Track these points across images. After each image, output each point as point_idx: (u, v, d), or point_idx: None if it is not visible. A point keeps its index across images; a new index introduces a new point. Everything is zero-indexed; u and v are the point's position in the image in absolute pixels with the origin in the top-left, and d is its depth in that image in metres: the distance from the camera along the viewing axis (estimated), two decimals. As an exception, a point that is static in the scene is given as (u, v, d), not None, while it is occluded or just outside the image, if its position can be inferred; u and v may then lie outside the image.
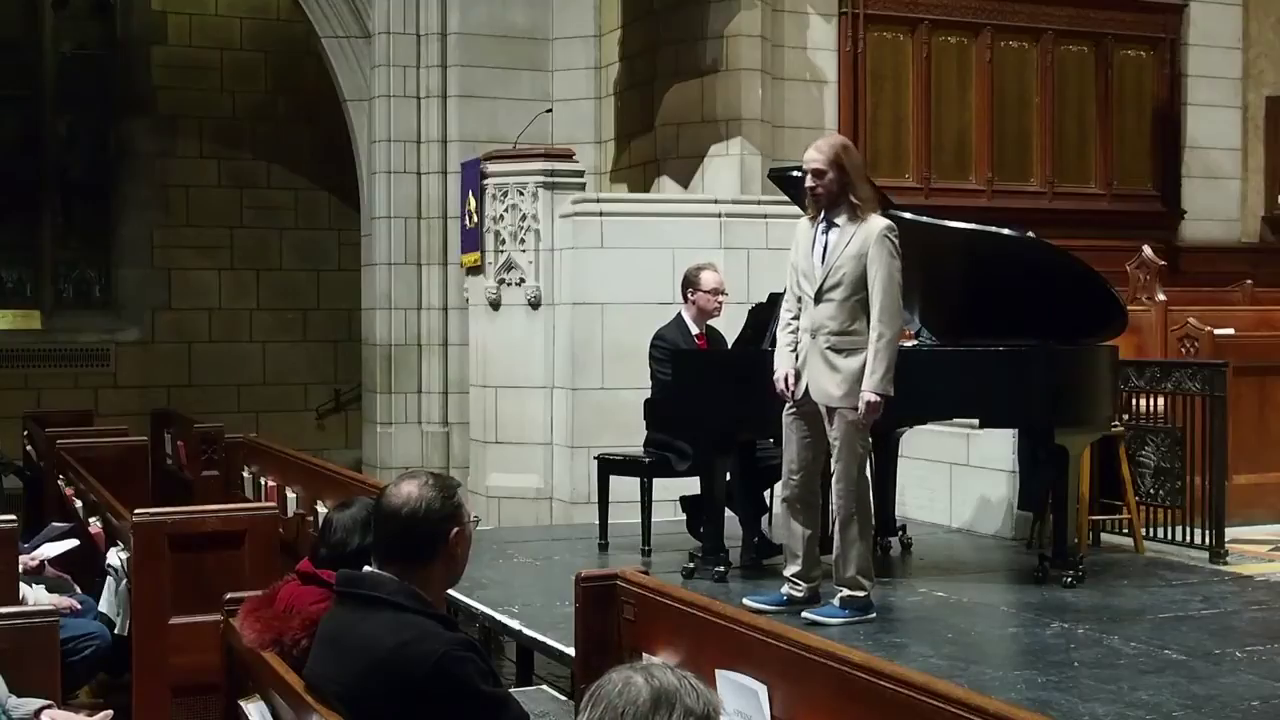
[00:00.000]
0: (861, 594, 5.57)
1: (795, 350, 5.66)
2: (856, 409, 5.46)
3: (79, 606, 5.14)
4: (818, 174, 5.52)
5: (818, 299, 5.55)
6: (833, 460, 5.59)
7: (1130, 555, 7.16)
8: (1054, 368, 6.26)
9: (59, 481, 7.52)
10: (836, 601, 5.58)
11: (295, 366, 14.81)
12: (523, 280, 9.25)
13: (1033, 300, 6.35)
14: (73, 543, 5.89)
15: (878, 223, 5.50)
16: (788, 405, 5.67)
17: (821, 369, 5.55)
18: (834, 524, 5.67)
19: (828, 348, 5.52)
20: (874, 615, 5.62)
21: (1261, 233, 12.09)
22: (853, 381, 5.47)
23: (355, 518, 3.51)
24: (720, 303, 7.03)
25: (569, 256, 9.08)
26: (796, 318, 5.67)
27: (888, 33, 10.85)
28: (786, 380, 5.65)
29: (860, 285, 5.47)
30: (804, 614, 5.47)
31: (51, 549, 5.81)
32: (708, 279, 7.01)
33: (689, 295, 7.05)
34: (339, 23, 11.48)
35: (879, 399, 5.43)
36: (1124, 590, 6.27)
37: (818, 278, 5.55)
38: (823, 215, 5.58)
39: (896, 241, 5.50)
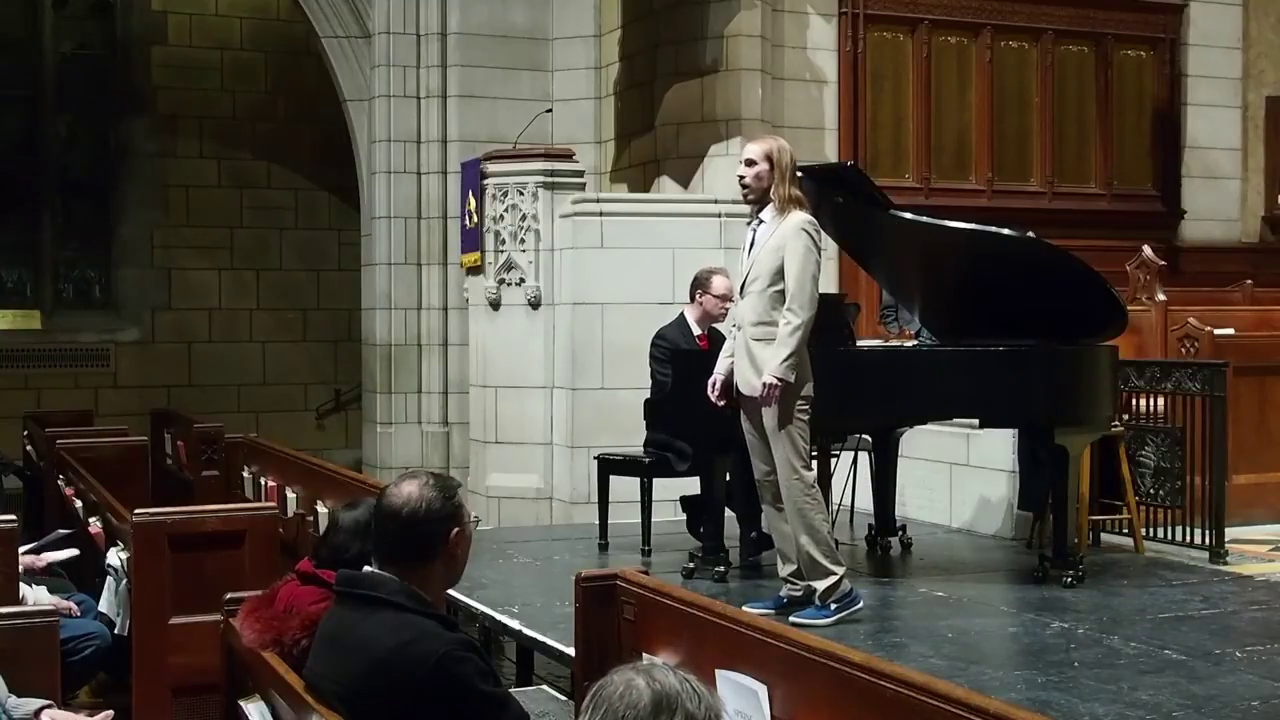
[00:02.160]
0: (834, 580, 5.55)
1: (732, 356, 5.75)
2: (791, 396, 5.48)
3: (78, 611, 5.14)
4: (749, 163, 5.63)
5: (743, 293, 5.66)
6: (772, 451, 5.59)
7: (1130, 555, 7.16)
8: (1054, 368, 6.26)
9: (59, 481, 7.52)
10: (817, 600, 5.58)
11: (295, 366, 14.81)
12: (523, 280, 9.25)
13: (1033, 300, 6.34)
14: (73, 552, 5.86)
15: (797, 217, 5.56)
16: (741, 407, 5.69)
17: (744, 361, 5.61)
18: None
19: (751, 339, 5.59)
20: (861, 604, 5.62)
21: (1261, 233, 12.08)
22: None
23: (359, 520, 3.51)
24: (726, 309, 7.03)
25: (569, 256, 9.08)
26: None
27: (888, 33, 10.85)
28: (714, 385, 5.73)
29: (777, 276, 5.52)
30: (791, 619, 5.41)
31: (52, 555, 5.78)
32: (718, 284, 7.02)
33: (696, 296, 7.06)
34: (339, 23, 11.48)
35: (778, 382, 5.43)
36: (1124, 590, 6.27)
37: (743, 273, 5.65)
38: (755, 214, 5.68)
39: (815, 235, 5.56)
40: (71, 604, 5.15)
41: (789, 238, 5.51)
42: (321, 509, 6.32)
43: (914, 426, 7.38)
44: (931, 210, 7.86)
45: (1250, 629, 5.62)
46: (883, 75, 10.82)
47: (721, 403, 5.75)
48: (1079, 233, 10.03)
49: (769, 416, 5.53)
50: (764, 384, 5.46)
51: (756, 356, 5.55)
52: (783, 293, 5.51)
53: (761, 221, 5.65)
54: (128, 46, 14.46)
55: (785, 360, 5.44)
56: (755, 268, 5.59)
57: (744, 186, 5.65)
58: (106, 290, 14.62)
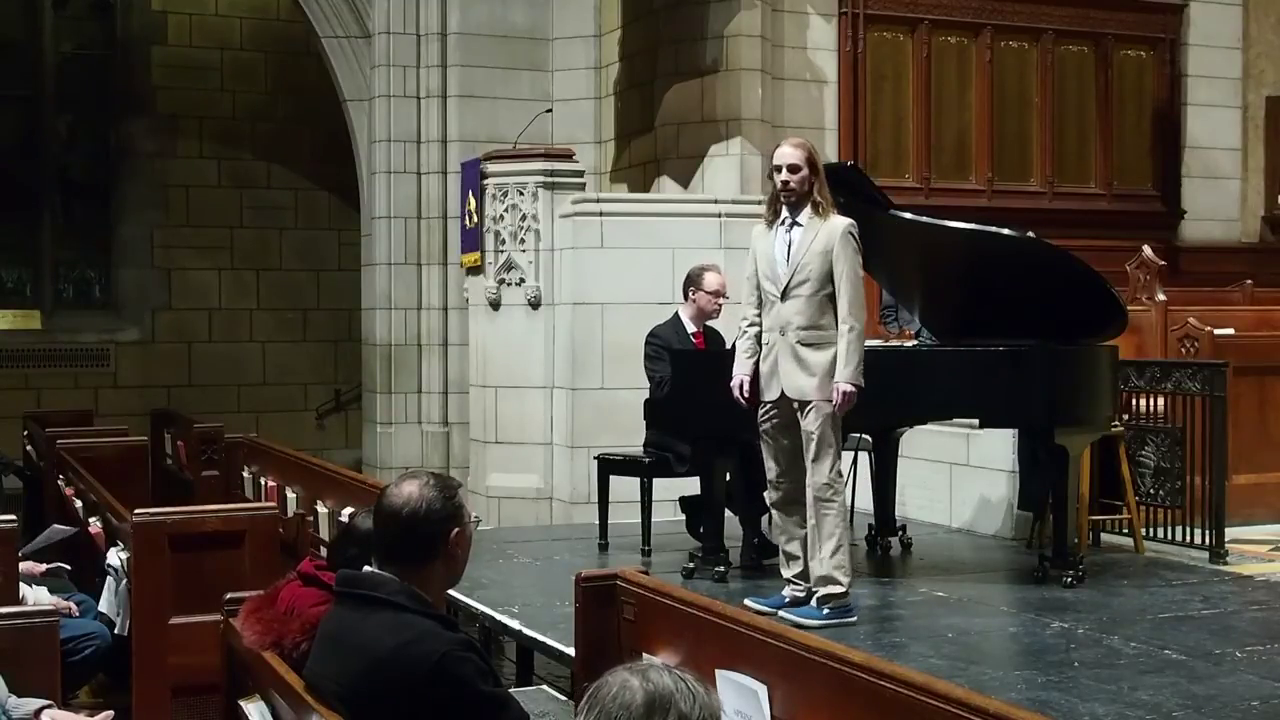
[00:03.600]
0: (839, 590, 5.55)
1: (754, 356, 5.76)
2: (831, 400, 5.53)
3: (77, 611, 5.14)
4: (793, 169, 5.61)
5: (784, 297, 5.64)
6: (806, 455, 5.60)
7: (1130, 555, 7.16)
8: (1054, 367, 6.26)
9: (59, 481, 7.51)
10: (814, 602, 5.58)
11: (295, 366, 14.81)
12: (523, 280, 9.25)
13: (1033, 300, 6.35)
14: (63, 566, 5.85)
15: (840, 221, 5.60)
16: (761, 410, 5.72)
17: (792, 365, 5.61)
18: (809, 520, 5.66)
19: (797, 343, 5.59)
20: (855, 618, 5.59)
21: (1261, 233, 12.09)
22: (824, 375, 5.54)
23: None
24: (720, 305, 7.04)
25: (569, 256, 9.08)
26: (754, 324, 5.76)
27: (888, 33, 10.85)
28: (742, 386, 5.75)
29: (826, 281, 5.56)
30: (781, 614, 5.40)
31: (40, 566, 5.76)
32: (710, 281, 7.02)
33: (690, 294, 7.06)
34: (339, 23, 11.48)
35: (853, 389, 5.50)
36: (1124, 590, 6.27)
37: (783, 276, 5.64)
38: (784, 216, 5.67)
39: (858, 238, 5.61)
40: (71, 604, 5.15)
41: (836, 242, 5.54)
42: (321, 509, 6.33)
43: (914, 426, 7.38)
44: (931, 210, 7.87)
45: (1250, 629, 5.62)
46: (883, 75, 10.82)
47: (751, 404, 5.75)
48: (1079, 233, 10.03)
49: (817, 421, 5.55)
50: (842, 393, 5.49)
51: (808, 361, 5.57)
52: (831, 296, 5.56)
53: (797, 224, 5.63)
54: (128, 46, 14.46)
55: (857, 366, 5.51)
56: (801, 271, 5.58)
57: (788, 190, 5.63)
58: (106, 290, 14.62)
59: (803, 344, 5.58)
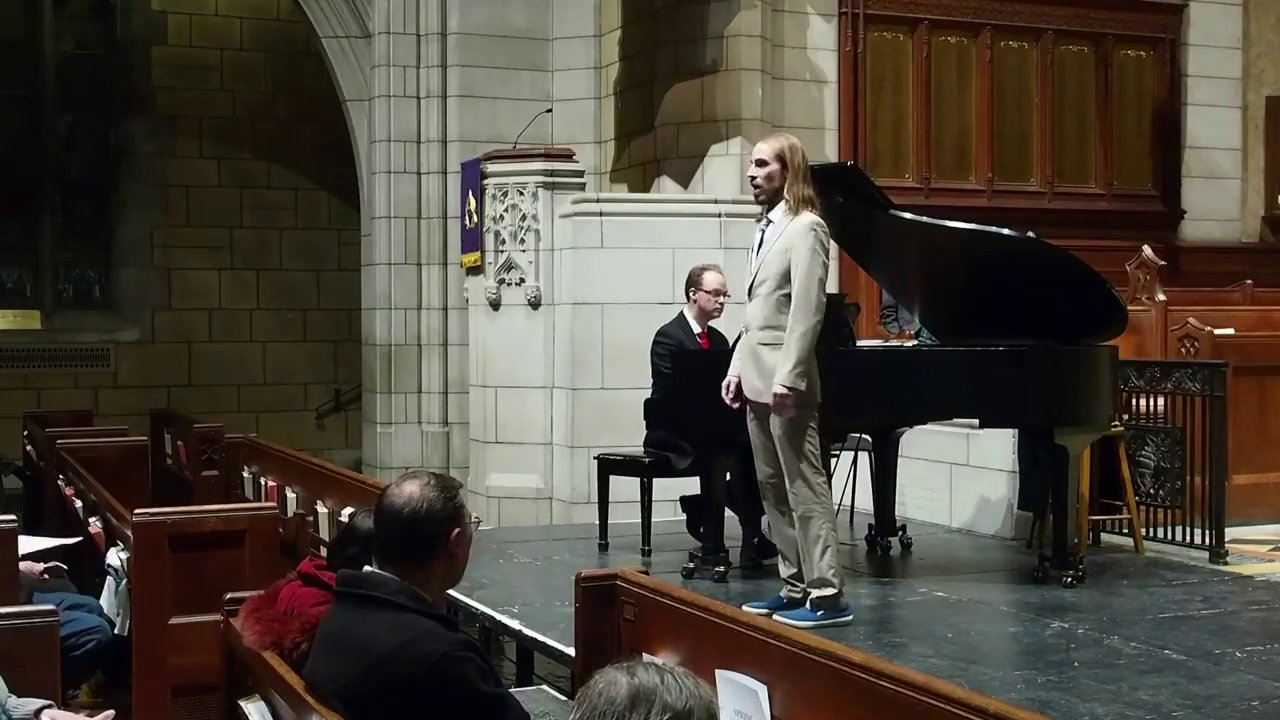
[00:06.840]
0: (831, 592, 5.53)
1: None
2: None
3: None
4: (760, 163, 5.57)
5: (750, 295, 5.61)
6: (780, 458, 5.54)
7: (1130, 555, 7.16)
8: (1054, 368, 6.26)
9: (59, 481, 7.51)
10: (807, 604, 5.56)
11: (295, 366, 14.82)
12: (523, 280, 9.25)
13: (1033, 300, 6.34)
14: (61, 566, 5.85)
15: (805, 218, 5.49)
16: (749, 410, 5.67)
17: (750, 365, 5.58)
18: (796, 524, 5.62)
19: (758, 343, 5.55)
20: (849, 618, 5.57)
21: (1261, 233, 12.09)
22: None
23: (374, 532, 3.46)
24: (721, 304, 7.04)
25: (569, 256, 9.09)
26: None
27: (888, 33, 10.85)
28: (728, 387, 5.71)
29: (784, 280, 5.46)
30: (776, 616, 5.32)
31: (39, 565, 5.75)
32: (710, 279, 7.02)
33: (691, 294, 7.07)
34: (339, 23, 11.48)
35: (787, 392, 5.38)
36: (1124, 590, 6.27)
37: (750, 274, 5.60)
38: (764, 213, 5.63)
39: (823, 236, 5.49)
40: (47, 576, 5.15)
41: (795, 239, 5.45)
42: (321, 509, 6.32)
43: (914, 426, 7.38)
44: (931, 210, 7.87)
45: (1250, 629, 5.62)
46: (883, 75, 10.82)
47: (736, 405, 5.72)
48: (1079, 233, 10.03)
49: (777, 424, 5.50)
50: (774, 394, 5.42)
51: (764, 362, 5.51)
52: (789, 296, 5.46)
53: (770, 222, 5.59)
54: (128, 46, 14.46)
55: (793, 369, 5.38)
56: (763, 270, 5.54)
57: (755, 187, 5.60)
58: (106, 290, 14.62)
59: (761, 344, 5.53)
